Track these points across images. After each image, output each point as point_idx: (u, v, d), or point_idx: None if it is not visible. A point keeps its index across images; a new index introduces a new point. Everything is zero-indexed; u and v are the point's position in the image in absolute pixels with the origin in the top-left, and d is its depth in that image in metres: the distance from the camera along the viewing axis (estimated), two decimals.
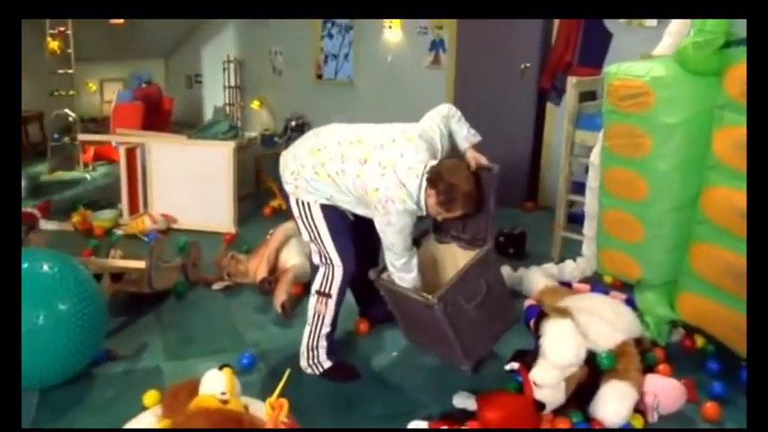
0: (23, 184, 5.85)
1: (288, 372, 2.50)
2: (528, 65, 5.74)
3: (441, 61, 6.58)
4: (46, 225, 5.17)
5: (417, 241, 3.13)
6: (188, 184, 5.15)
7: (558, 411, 2.74)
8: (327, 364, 3.11)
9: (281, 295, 3.67)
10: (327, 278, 3.03)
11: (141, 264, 3.69)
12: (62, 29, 6.97)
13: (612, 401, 2.71)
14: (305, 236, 3.07)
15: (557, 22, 5.52)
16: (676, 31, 3.42)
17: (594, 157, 3.88)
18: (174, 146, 5.30)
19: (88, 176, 6.97)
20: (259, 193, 6.20)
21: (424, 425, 2.69)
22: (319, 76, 8.10)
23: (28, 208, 5.22)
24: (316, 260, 3.09)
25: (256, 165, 6.43)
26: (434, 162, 2.86)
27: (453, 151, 3.10)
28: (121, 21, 8.57)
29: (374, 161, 2.82)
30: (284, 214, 3.86)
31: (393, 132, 2.91)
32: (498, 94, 5.96)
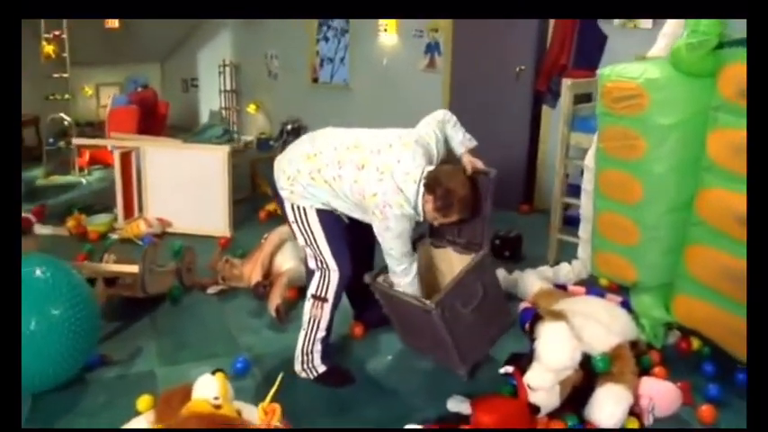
0: None
1: (280, 376, 2.49)
2: (523, 67, 5.74)
3: (436, 64, 6.58)
4: (41, 230, 5.16)
5: (413, 246, 3.12)
6: (183, 188, 5.14)
7: (553, 415, 2.73)
8: (322, 368, 3.09)
9: (275, 299, 3.66)
10: (323, 282, 3.02)
11: (135, 268, 3.67)
12: (57, 33, 6.96)
13: (607, 404, 2.70)
14: (300, 240, 3.06)
15: (552, 24, 5.51)
16: (671, 33, 3.42)
17: (589, 160, 3.87)
18: (169, 150, 5.29)
19: (83, 181, 6.96)
20: (254, 197, 6.19)
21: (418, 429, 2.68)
22: (315, 80, 8.10)
23: (22, 212, 5.20)
24: (311, 264, 3.08)
25: (252, 169, 6.41)
26: (431, 167, 2.86)
27: (449, 156, 3.10)
28: (117, 25, 8.56)
29: (371, 166, 2.81)
30: (279, 218, 3.84)
31: (390, 138, 2.91)
32: (494, 97, 5.96)
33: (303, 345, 3.07)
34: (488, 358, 3.22)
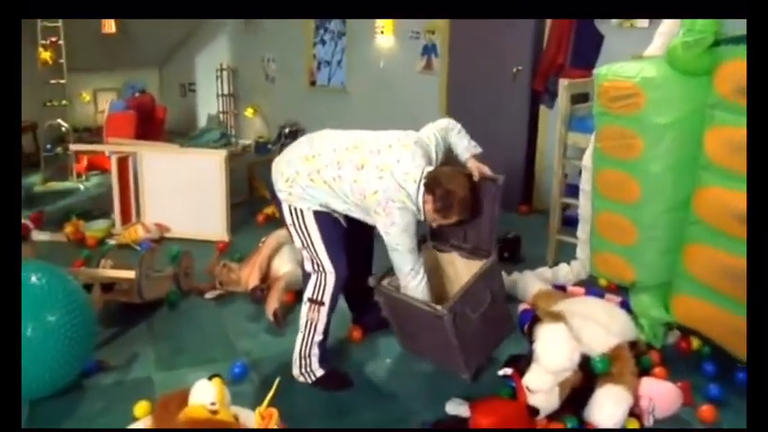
0: None
1: (277, 381, 2.48)
2: (520, 68, 5.73)
3: (433, 66, 6.57)
4: (38, 236, 5.13)
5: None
6: (180, 192, 5.12)
7: (553, 416, 2.72)
8: (320, 372, 3.08)
9: (273, 303, 3.65)
10: (319, 285, 3.00)
11: (131, 274, 3.66)
12: (54, 39, 6.95)
13: (607, 405, 2.68)
14: (297, 243, 3.05)
15: (548, 24, 5.51)
16: (667, 32, 3.41)
17: (587, 160, 3.86)
18: (166, 155, 5.28)
19: (81, 186, 6.95)
20: (252, 200, 6.18)
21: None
22: (312, 83, 8.10)
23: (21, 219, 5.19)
24: (308, 267, 3.06)
25: (250, 172, 6.40)
26: (431, 168, 2.86)
27: (456, 163, 3.10)
28: (113, 30, 8.56)
29: (371, 166, 2.81)
30: (277, 221, 3.84)
31: (389, 138, 2.91)
32: (491, 98, 5.95)
33: (300, 348, 3.06)
34: (488, 360, 3.21)
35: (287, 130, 7.79)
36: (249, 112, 9.02)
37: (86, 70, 8.83)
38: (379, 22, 7.01)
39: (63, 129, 7.26)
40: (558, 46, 5.37)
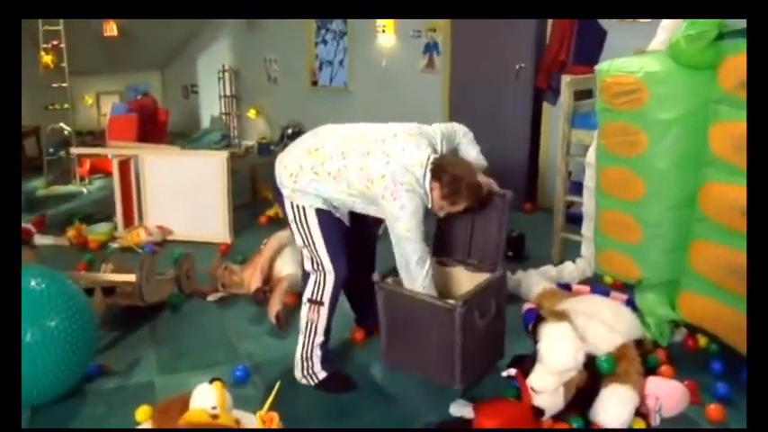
0: None
1: (278, 385, 2.45)
2: (523, 65, 5.70)
3: (435, 64, 6.54)
4: (41, 240, 5.14)
5: None
6: (182, 195, 5.11)
7: (558, 417, 2.68)
8: (322, 374, 3.05)
9: (275, 305, 3.62)
10: (319, 285, 2.98)
11: (132, 277, 3.64)
12: (56, 43, 6.95)
13: (613, 406, 2.64)
14: (298, 240, 3.02)
15: (550, 21, 5.47)
16: (670, 26, 3.37)
17: (591, 157, 3.83)
18: (167, 157, 5.26)
19: (84, 190, 6.95)
20: (255, 202, 6.16)
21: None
22: (314, 83, 8.08)
23: (22, 223, 5.18)
24: (307, 266, 3.03)
25: (252, 174, 6.39)
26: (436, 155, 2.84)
27: None
28: (115, 33, 8.56)
29: (377, 152, 2.79)
30: (280, 223, 3.83)
31: (394, 129, 2.90)
32: (494, 96, 5.92)
33: (302, 350, 3.03)
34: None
35: (289, 131, 7.79)
36: (252, 113, 9.01)
37: (89, 73, 8.84)
38: (381, 22, 6.99)
39: (65, 132, 7.26)
40: (561, 43, 5.33)
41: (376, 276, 3.08)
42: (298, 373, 3.07)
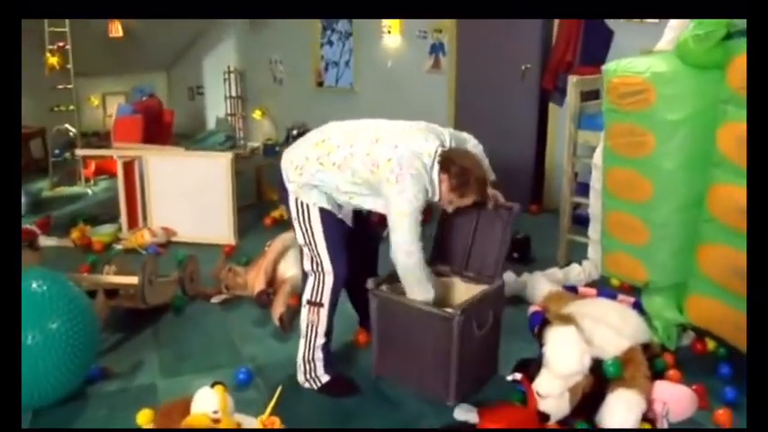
0: (24, 200, 5.83)
1: (279, 389, 2.43)
2: (529, 66, 5.66)
3: (441, 65, 6.51)
4: (45, 241, 5.12)
5: None
6: (187, 196, 5.10)
7: (563, 422, 2.65)
8: (325, 378, 3.03)
9: (279, 307, 3.61)
10: (318, 286, 2.95)
11: (134, 279, 3.62)
12: (61, 44, 6.95)
13: (619, 410, 2.60)
14: (299, 239, 2.99)
15: (557, 21, 5.44)
16: (678, 25, 3.33)
17: (597, 158, 3.79)
18: (172, 158, 5.25)
19: (89, 191, 6.94)
20: (260, 203, 6.13)
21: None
22: (320, 84, 8.05)
23: (27, 225, 5.18)
24: (307, 266, 3.00)
25: (258, 175, 6.36)
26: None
27: None
28: (120, 34, 8.56)
29: (386, 139, 2.79)
30: (286, 225, 3.80)
31: (402, 124, 2.90)
32: (500, 97, 5.88)
33: (304, 353, 3.01)
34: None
35: (295, 132, 7.75)
36: (257, 114, 8.98)
37: (94, 75, 8.83)
38: (386, 22, 6.96)
39: (71, 134, 7.26)
40: (567, 43, 5.29)
41: (370, 283, 3.05)
42: (300, 377, 3.04)
